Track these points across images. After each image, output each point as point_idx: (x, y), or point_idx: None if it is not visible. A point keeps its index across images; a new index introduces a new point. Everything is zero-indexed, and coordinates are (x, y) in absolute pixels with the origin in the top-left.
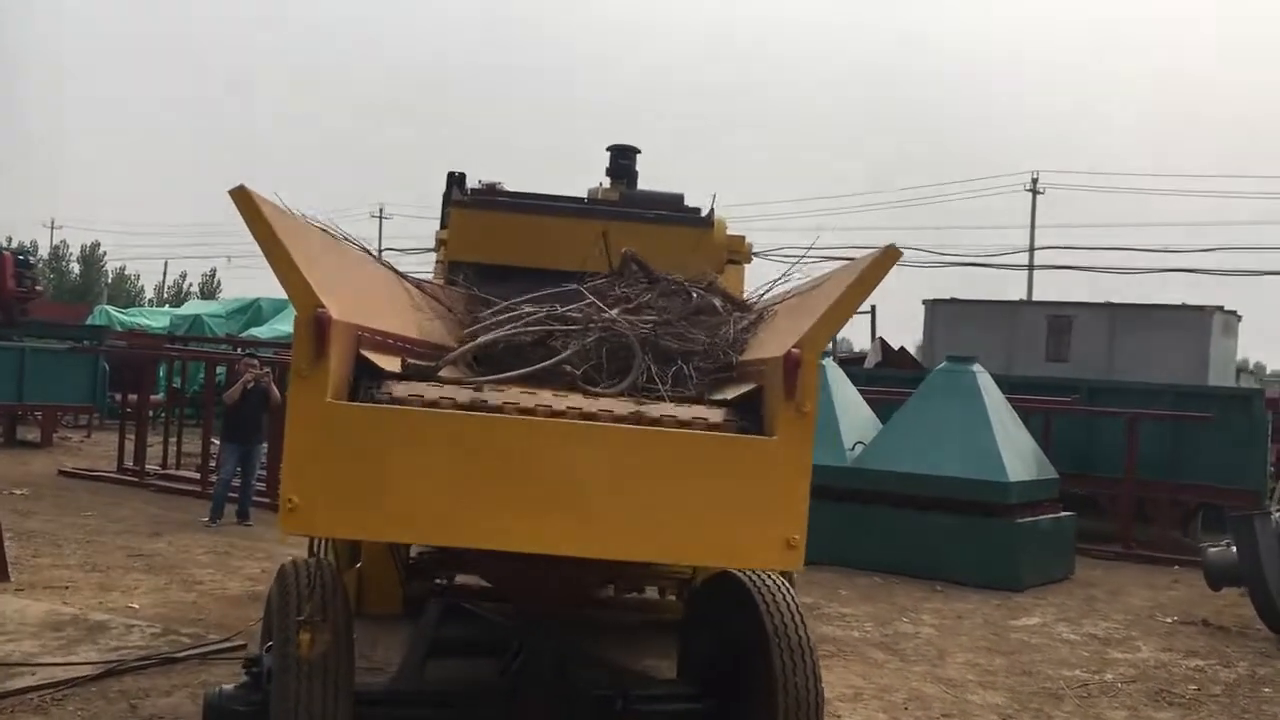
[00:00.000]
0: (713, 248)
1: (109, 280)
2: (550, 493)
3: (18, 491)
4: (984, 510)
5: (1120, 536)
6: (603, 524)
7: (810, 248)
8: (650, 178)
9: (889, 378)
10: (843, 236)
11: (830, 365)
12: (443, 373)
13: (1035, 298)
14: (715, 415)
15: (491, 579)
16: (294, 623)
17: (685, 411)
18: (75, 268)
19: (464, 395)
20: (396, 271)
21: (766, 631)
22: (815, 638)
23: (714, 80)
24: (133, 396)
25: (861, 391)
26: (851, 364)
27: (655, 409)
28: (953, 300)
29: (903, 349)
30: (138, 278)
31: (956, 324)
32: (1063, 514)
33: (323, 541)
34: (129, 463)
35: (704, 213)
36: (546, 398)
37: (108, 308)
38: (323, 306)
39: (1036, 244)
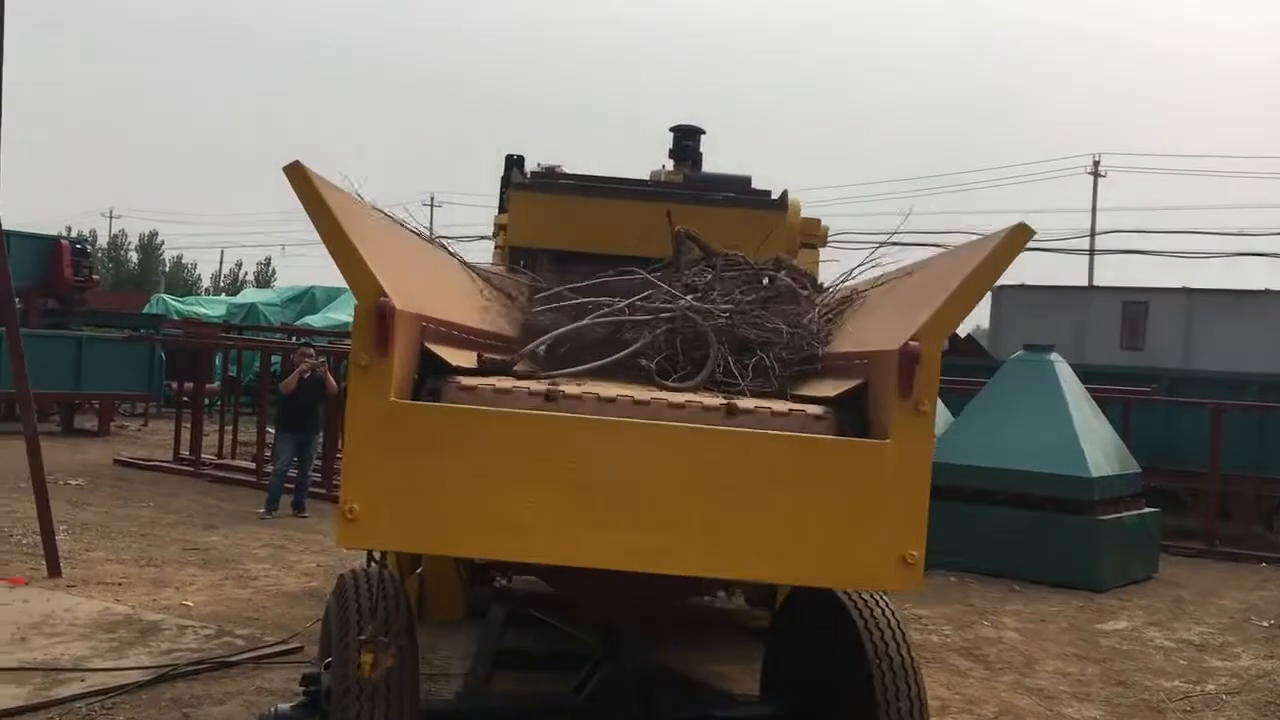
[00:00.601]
0: (787, 231)
1: (166, 269)
2: (642, 504)
3: (73, 481)
4: (1065, 507)
5: (1203, 533)
6: (699, 539)
7: (894, 231)
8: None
9: (956, 366)
10: (898, 221)
11: None
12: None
13: (1099, 283)
14: (816, 416)
15: (565, 590)
16: (355, 642)
17: (783, 413)
18: (134, 257)
19: (540, 394)
20: (459, 258)
21: (866, 653)
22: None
23: (765, 63)
24: (189, 385)
25: None
26: None
27: (751, 409)
28: (1021, 286)
29: (969, 337)
30: (194, 266)
31: (1025, 310)
32: (1146, 510)
33: (371, 551)
34: (185, 452)
35: (773, 196)
36: (629, 398)
37: (165, 296)
38: (385, 295)
39: (1099, 228)
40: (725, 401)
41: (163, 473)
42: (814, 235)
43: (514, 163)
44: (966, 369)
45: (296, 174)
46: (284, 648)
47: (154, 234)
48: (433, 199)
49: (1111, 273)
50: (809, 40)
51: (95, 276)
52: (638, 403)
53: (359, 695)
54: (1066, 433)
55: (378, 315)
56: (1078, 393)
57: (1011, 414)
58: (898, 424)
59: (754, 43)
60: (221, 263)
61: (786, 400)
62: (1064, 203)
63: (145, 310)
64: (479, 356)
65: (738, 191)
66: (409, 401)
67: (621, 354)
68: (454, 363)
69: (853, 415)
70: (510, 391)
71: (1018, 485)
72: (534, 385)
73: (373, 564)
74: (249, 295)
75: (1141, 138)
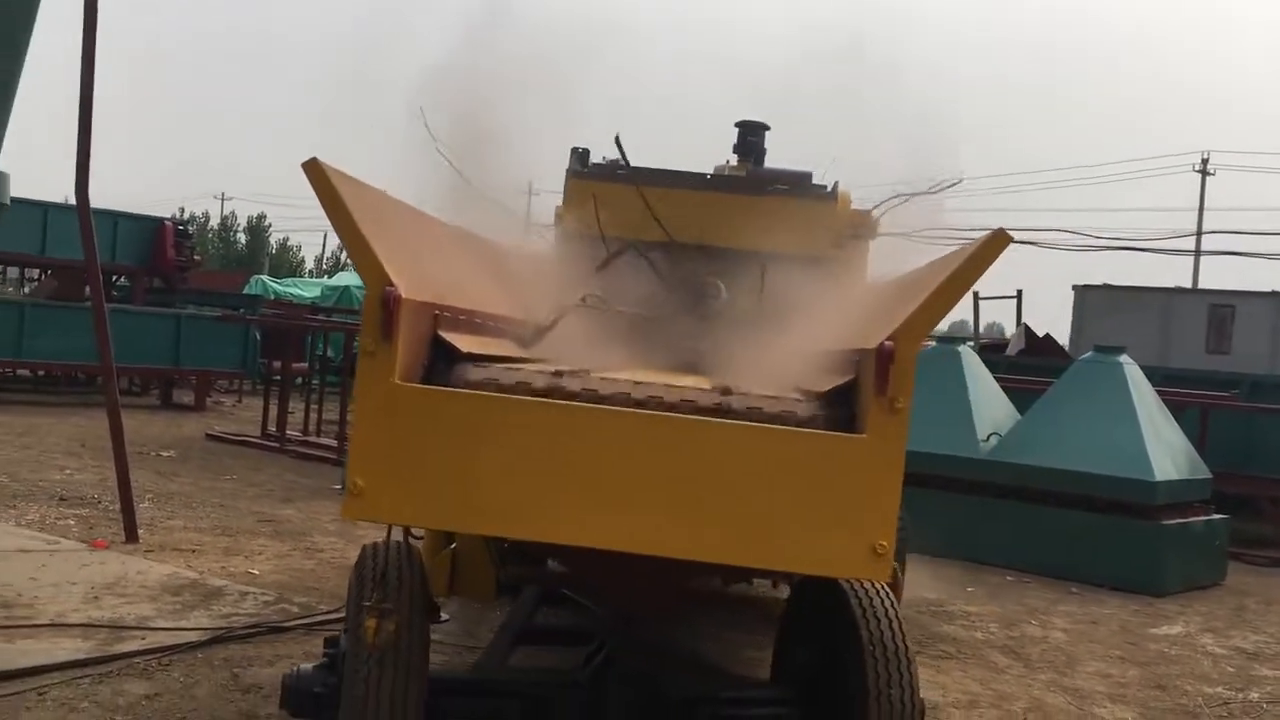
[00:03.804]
0: (835, 222)
1: (272, 251)
2: (622, 487)
3: (165, 453)
4: (1127, 510)
5: (1278, 541)
6: (675, 522)
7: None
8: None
9: (1032, 366)
10: (991, 219)
11: (965, 352)
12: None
13: (1205, 286)
14: (806, 408)
15: (576, 572)
16: (361, 608)
17: (774, 404)
18: (242, 238)
19: (541, 380)
20: (507, 246)
21: (861, 639)
22: (914, 647)
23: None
24: (278, 364)
25: (1002, 380)
26: (994, 350)
27: (743, 400)
28: (1105, 286)
29: (1048, 336)
30: (299, 249)
31: (1108, 312)
32: (1215, 516)
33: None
34: (272, 428)
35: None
36: (627, 385)
37: (264, 277)
38: (392, 285)
39: (1205, 228)
40: (721, 391)
41: (250, 447)
42: (863, 226)
43: (578, 154)
44: (1043, 369)
45: (313, 171)
46: (336, 616)
47: (261, 216)
48: (530, 186)
49: (1216, 276)
50: (890, 32)
51: (197, 257)
52: (637, 385)
53: (365, 659)
54: (1132, 435)
55: (382, 304)
56: (1147, 395)
57: (1077, 415)
58: (873, 420)
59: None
60: (324, 245)
61: (792, 393)
62: (1170, 201)
63: (245, 291)
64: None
65: (793, 185)
66: (410, 385)
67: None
68: (465, 349)
69: (845, 409)
70: (516, 375)
71: (1080, 487)
72: (541, 369)
73: (403, 539)
74: (344, 278)
75: (1252, 135)
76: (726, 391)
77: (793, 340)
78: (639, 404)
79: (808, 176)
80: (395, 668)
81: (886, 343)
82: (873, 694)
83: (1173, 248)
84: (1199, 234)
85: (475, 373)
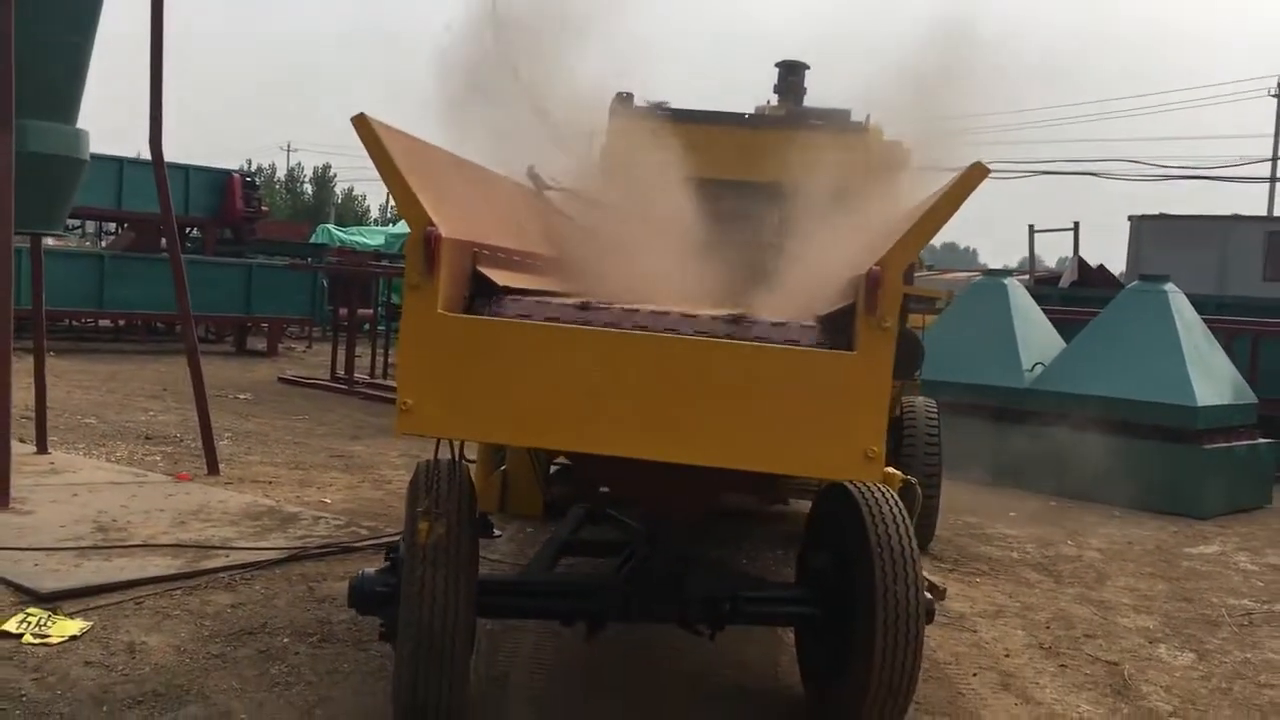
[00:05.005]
0: (865, 154)
1: (338, 201)
2: (639, 402)
3: (241, 396)
4: (1169, 435)
5: None
6: (688, 432)
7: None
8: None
9: (1085, 298)
10: (1058, 149)
11: (1012, 284)
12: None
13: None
14: (807, 330)
15: (612, 486)
16: (413, 514)
17: (779, 327)
18: (309, 189)
19: (569, 310)
20: (544, 187)
21: (870, 542)
22: (918, 549)
23: None
24: (345, 309)
25: (1054, 311)
26: (1048, 284)
27: (751, 324)
28: (1161, 216)
29: (1101, 267)
30: (364, 198)
31: (1164, 241)
32: (1260, 441)
33: (453, 443)
34: (341, 371)
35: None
36: (646, 313)
37: (330, 226)
38: (432, 225)
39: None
40: (733, 315)
41: (320, 390)
42: (894, 158)
43: (621, 98)
44: (1094, 300)
45: (361, 126)
46: (401, 537)
47: (327, 167)
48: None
49: None
50: None
51: (264, 208)
52: (655, 313)
53: (419, 558)
54: (1174, 361)
55: (425, 242)
56: (1191, 323)
57: (1120, 343)
58: (863, 338)
59: None
60: (388, 195)
61: (798, 317)
62: (1242, 129)
63: (311, 240)
64: None
65: (826, 120)
66: (450, 314)
67: None
68: (501, 283)
69: (844, 331)
70: (546, 306)
71: (1123, 413)
72: (570, 300)
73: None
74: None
75: None
76: (737, 317)
77: (811, 269)
78: (656, 329)
79: (845, 114)
80: (446, 566)
81: (874, 268)
82: (880, 591)
83: (1247, 175)
84: (1275, 160)
85: (511, 303)
